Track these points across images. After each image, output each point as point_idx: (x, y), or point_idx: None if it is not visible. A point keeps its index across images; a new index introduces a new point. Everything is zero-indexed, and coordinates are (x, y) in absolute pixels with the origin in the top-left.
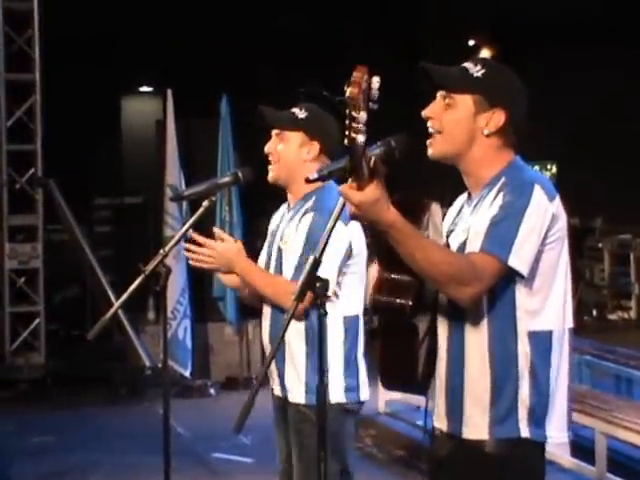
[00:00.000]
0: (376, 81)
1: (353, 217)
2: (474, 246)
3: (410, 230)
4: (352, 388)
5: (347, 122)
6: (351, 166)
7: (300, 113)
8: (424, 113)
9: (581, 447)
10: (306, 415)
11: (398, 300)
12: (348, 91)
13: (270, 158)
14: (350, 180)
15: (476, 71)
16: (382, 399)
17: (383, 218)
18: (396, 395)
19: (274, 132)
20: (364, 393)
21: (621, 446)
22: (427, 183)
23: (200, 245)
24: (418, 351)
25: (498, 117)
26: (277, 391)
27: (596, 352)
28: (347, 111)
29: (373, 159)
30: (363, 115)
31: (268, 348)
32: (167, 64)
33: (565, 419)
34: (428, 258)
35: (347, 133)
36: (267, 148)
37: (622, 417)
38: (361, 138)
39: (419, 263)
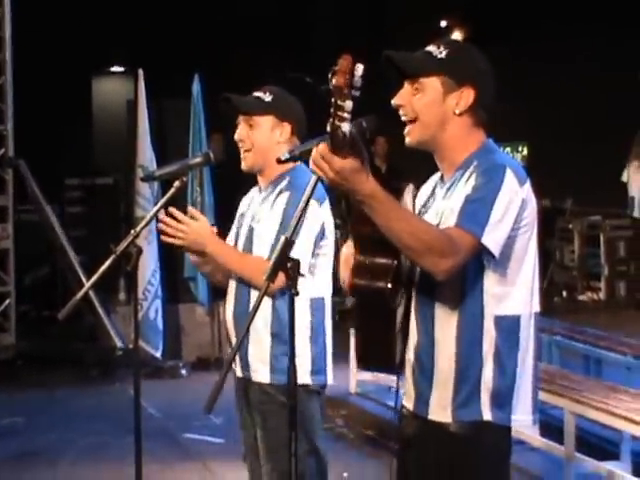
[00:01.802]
0: (360, 69)
1: (331, 185)
2: (449, 225)
3: (389, 200)
4: (318, 370)
5: (332, 110)
6: (333, 149)
7: (266, 96)
8: (394, 102)
9: (550, 426)
10: (271, 395)
11: (377, 283)
12: (334, 80)
13: (241, 145)
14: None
15: (439, 53)
16: (353, 379)
17: (363, 186)
18: (367, 375)
19: (242, 118)
20: (329, 376)
21: (590, 426)
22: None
23: (176, 220)
24: (395, 333)
25: (467, 95)
26: (238, 372)
27: (566, 333)
28: (332, 100)
29: (350, 133)
30: (348, 104)
31: (230, 324)
32: (138, 43)
33: (530, 403)
34: (407, 228)
35: (332, 121)
36: (237, 136)
37: (591, 397)
38: (346, 126)
39: (398, 234)
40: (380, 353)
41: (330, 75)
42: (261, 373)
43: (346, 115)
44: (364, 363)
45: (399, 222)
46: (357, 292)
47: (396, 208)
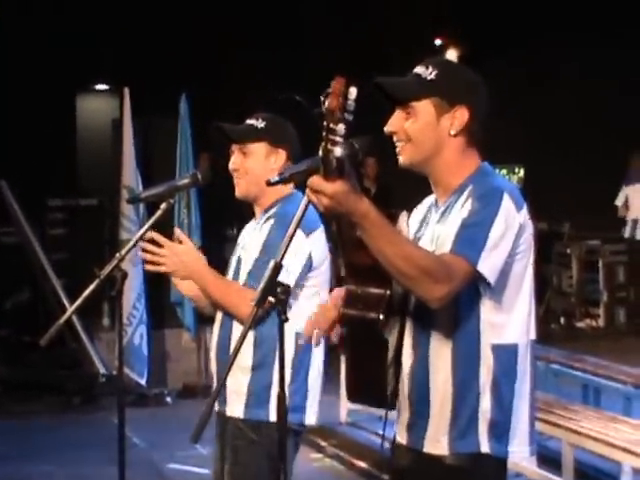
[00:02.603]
0: (353, 92)
1: (325, 211)
2: (444, 251)
3: (383, 222)
4: (296, 408)
5: (324, 134)
6: (324, 174)
7: (258, 123)
8: (387, 129)
9: (548, 458)
10: (242, 431)
11: (369, 314)
12: (326, 103)
13: (235, 174)
14: (320, 174)
15: (429, 74)
16: (343, 408)
17: (357, 207)
18: (358, 404)
19: (235, 147)
20: (310, 417)
21: (589, 457)
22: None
23: (158, 245)
24: (387, 365)
25: (461, 115)
26: (216, 405)
27: (564, 361)
28: (324, 123)
29: (342, 158)
30: (341, 127)
31: (213, 353)
32: (124, 60)
33: (527, 433)
34: (401, 252)
35: (324, 144)
36: (232, 165)
37: (590, 427)
38: (338, 150)
39: (391, 258)
40: (371, 386)
41: (323, 98)
42: (236, 407)
43: (338, 139)
44: (354, 397)
45: (392, 246)
46: (348, 322)
47: (390, 231)
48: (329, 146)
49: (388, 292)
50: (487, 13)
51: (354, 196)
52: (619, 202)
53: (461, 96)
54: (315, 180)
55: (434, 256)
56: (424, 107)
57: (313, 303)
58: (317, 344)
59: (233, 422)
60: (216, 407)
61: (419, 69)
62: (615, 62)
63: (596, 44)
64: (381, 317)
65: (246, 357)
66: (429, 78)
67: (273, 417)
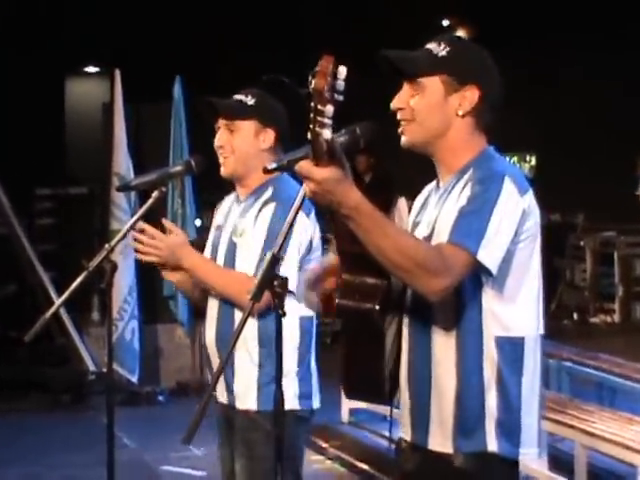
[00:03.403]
0: (342, 71)
1: (313, 197)
2: (441, 239)
3: (376, 214)
4: (305, 395)
5: (312, 115)
6: (314, 159)
7: (248, 100)
8: (392, 105)
9: (560, 460)
10: (257, 422)
11: (364, 305)
12: (313, 83)
13: (221, 152)
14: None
15: (440, 50)
16: (346, 407)
17: (347, 199)
18: (361, 403)
19: (222, 123)
20: (316, 401)
21: (603, 459)
22: (402, 178)
23: (149, 236)
24: (385, 358)
25: (471, 95)
26: (222, 398)
27: (577, 358)
28: (312, 104)
29: (331, 140)
30: (329, 108)
31: (212, 347)
32: (115, 41)
33: (535, 434)
34: (395, 245)
35: (311, 126)
36: (218, 141)
37: (604, 428)
38: (327, 133)
39: (385, 251)
40: (368, 380)
41: (310, 77)
42: (247, 400)
43: (327, 121)
44: (350, 391)
45: (385, 238)
46: (343, 314)
47: (383, 223)
48: (317, 128)
49: (385, 282)
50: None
51: (344, 185)
52: None
53: (472, 75)
54: (304, 165)
55: (431, 247)
56: (432, 84)
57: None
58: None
59: (244, 414)
60: (222, 399)
61: (431, 44)
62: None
63: (613, 26)
64: (377, 308)
65: (253, 351)
66: (440, 54)
67: (288, 405)
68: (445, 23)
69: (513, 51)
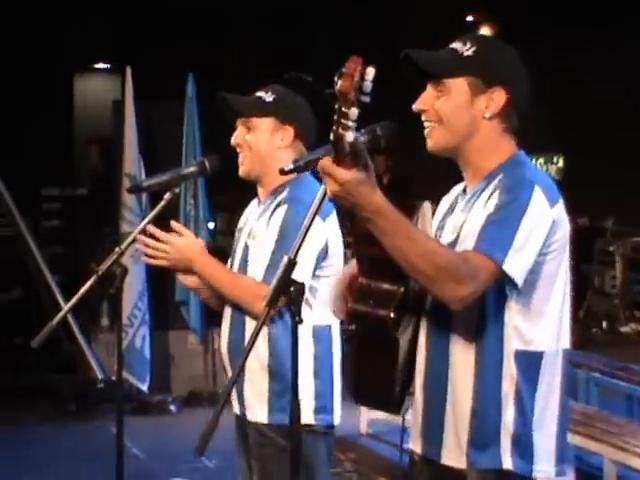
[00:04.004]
0: (370, 72)
1: (334, 198)
2: (466, 246)
3: (398, 218)
4: (323, 409)
5: (335, 117)
6: (336, 160)
7: (267, 96)
8: (415, 106)
9: (589, 476)
10: (269, 438)
11: (378, 311)
12: (339, 84)
13: (239, 150)
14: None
15: (466, 50)
16: (364, 419)
17: (369, 201)
18: (379, 414)
19: (239, 120)
20: (337, 415)
21: (634, 476)
22: (422, 180)
23: (158, 239)
24: (397, 367)
25: (498, 97)
26: (236, 408)
27: (606, 369)
28: (336, 105)
29: (355, 143)
30: (354, 111)
31: (225, 356)
32: (126, 37)
33: (554, 452)
34: (417, 249)
35: (335, 128)
36: (234, 139)
37: (635, 443)
38: (350, 135)
39: (407, 255)
40: (377, 387)
41: (336, 78)
42: (258, 412)
43: (350, 123)
44: (358, 397)
45: (408, 242)
46: (356, 319)
47: (406, 227)
48: (340, 130)
49: (402, 289)
50: None
51: (367, 188)
52: None
53: (499, 76)
54: (326, 162)
55: (456, 254)
56: (458, 85)
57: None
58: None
59: (256, 428)
60: (237, 410)
61: (456, 44)
62: None
63: None
64: (392, 315)
65: (263, 357)
66: (466, 54)
67: (302, 419)
68: (469, 19)
69: (538, 45)
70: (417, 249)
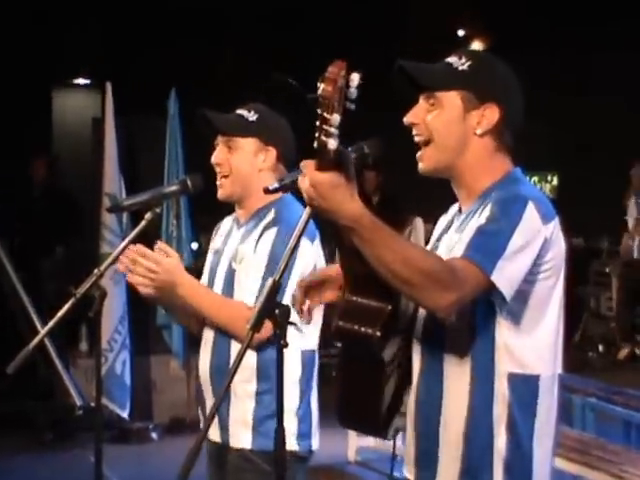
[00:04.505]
0: (355, 78)
1: (309, 203)
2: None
3: (379, 226)
4: (305, 434)
5: (317, 123)
6: (319, 167)
7: (250, 115)
8: (406, 120)
9: None
10: (253, 463)
11: (364, 329)
12: (321, 88)
13: (218, 170)
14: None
15: (461, 64)
16: (352, 446)
17: (346, 208)
18: (368, 441)
19: (221, 139)
20: (316, 441)
21: None
22: (412, 198)
23: (145, 257)
24: (383, 387)
25: (491, 113)
26: (214, 435)
27: (602, 394)
28: (318, 111)
29: (338, 150)
30: (336, 117)
31: (206, 382)
32: (106, 52)
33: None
34: (400, 256)
35: (317, 135)
36: (215, 158)
37: (633, 471)
38: (332, 143)
39: (390, 264)
40: (363, 410)
41: (318, 82)
42: (242, 438)
43: (333, 130)
44: (344, 420)
45: (391, 250)
46: (341, 337)
47: (388, 235)
48: (323, 137)
49: (389, 307)
50: (516, 6)
51: (342, 193)
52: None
53: (493, 93)
54: (308, 162)
55: (441, 260)
56: (451, 99)
57: (318, 317)
58: (308, 321)
59: (239, 453)
60: (215, 437)
61: (451, 58)
62: None
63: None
64: (378, 333)
65: (250, 383)
66: (460, 68)
67: (286, 446)
68: (461, 33)
69: (532, 60)
70: (399, 256)
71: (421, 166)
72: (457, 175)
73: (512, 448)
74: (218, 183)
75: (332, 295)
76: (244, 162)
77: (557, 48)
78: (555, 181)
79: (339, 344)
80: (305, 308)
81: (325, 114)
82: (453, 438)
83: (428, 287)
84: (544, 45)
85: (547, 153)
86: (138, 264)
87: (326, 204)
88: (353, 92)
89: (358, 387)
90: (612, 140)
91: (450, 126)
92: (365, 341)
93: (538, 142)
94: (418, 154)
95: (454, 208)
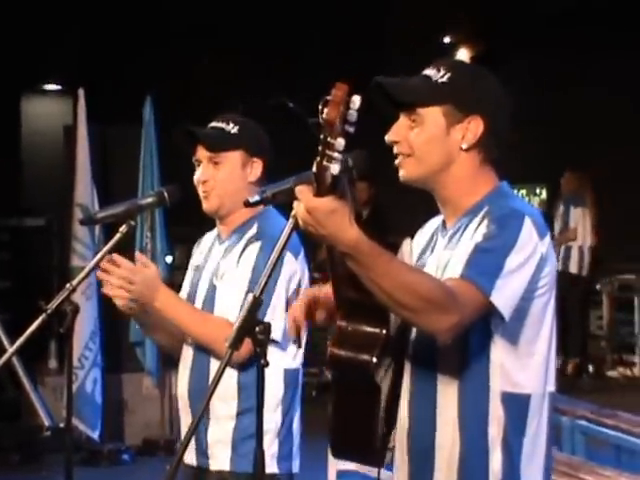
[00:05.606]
0: (356, 101)
1: (304, 229)
2: (453, 275)
3: (377, 251)
4: (286, 456)
5: (320, 148)
6: (316, 192)
7: (231, 128)
8: (388, 138)
9: None
10: None
11: (360, 355)
12: (325, 112)
13: (203, 187)
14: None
15: (440, 77)
16: (332, 470)
17: (343, 235)
18: (349, 465)
19: (205, 155)
20: (296, 464)
21: None
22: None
23: (121, 268)
24: (378, 416)
25: (475, 126)
26: (191, 459)
27: (592, 416)
28: (322, 135)
29: (339, 176)
30: (340, 141)
31: (184, 401)
32: (78, 57)
33: None
34: (400, 283)
35: (318, 160)
36: (202, 175)
37: None
38: (335, 168)
39: (389, 290)
40: (358, 439)
41: (321, 106)
42: (221, 459)
43: (336, 155)
44: (338, 451)
45: (389, 277)
46: (336, 364)
47: (385, 260)
48: (325, 162)
49: (384, 332)
50: (505, 10)
51: (339, 219)
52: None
53: (476, 105)
54: (303, 189)
55: (440, 283)
56: (432, 115)
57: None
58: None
59: (218, 475)
60: (192, 461)
61: (429, 70)
62: None
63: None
64: (374, 360)
65: (230, 403)
66: (440, 81)
67: (266, 468)
68: (447, 40)
69: (519, 70)
70: (399, 282)
71: (401, 174)
72: (441, 190)
73: (507, 468)
74: (202, 195)
75: (321, 317)
76: (232, 176)
77: (545, 55)
78: (544, 194)
79: (332, 372)
80: (303, 333)
81: (329, 139)
82: (448, 461)
83: (428, 311)
84: (532, 52)
85: (535, 165)
86: (114, 274)
87: (323, 231)
88: (353, 114)
89: (352, 415)
90: (603, 152)
91: (433, 144)
92: (361, 368)
93: (526, 153)
94: (397, 161)
95: (433, 223)
